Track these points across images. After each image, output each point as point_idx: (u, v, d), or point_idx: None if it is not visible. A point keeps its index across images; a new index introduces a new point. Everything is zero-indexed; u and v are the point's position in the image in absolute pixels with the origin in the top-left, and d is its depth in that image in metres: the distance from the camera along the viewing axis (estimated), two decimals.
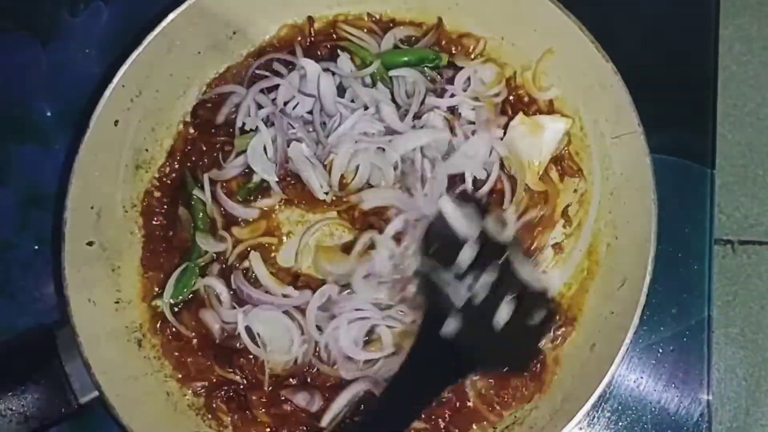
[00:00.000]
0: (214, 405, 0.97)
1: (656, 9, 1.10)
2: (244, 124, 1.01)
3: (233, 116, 1.02)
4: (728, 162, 1.61)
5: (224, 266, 1.00)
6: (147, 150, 1.01)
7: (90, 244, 0.95)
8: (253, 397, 0.96)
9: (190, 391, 0.99)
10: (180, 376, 0.99)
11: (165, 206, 1.02)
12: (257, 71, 1.02)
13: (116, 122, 0.96)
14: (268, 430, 0.97)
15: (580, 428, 1.01)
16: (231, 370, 0.97)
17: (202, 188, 0.99)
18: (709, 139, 1.07)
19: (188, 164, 1.02)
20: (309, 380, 0.98)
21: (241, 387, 0.97)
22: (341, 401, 0.95)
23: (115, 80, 0.93)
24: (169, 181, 1.03)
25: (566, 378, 0.97)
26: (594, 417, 1.02)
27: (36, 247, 1.06)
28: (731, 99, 1.63)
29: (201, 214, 1.00)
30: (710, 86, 1.08)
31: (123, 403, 0.90)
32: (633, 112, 0.93)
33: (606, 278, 0.99)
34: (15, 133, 1.08)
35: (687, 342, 1.03)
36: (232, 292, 0.98)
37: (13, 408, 0.90)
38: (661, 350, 1.03)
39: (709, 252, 1.05)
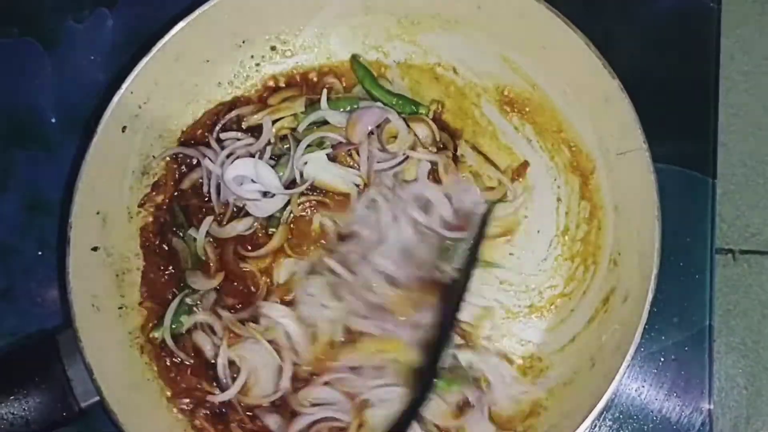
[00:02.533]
0: (198, 423, 0.97)
1: (659, 20, 1.11)
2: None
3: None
4: (729, 171, 1.61)
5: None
6: (153, 156, 1.01)
7: (95, 249, 0.95)
8: (232, 418, 0.97)
9: (175, 410, 0.98)
10: (170, 393, 0.98)
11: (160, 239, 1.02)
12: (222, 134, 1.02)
13: (124, 128, 0.96)
14: None
15: None
16: (216, 386, 0.97)
17: (194, 227, 1.00)
18: (710, 149, 1.08)
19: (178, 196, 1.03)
20: (281, 403, 0.98)
21: (222, 405, 0.97)
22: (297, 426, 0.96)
23: (124, 87, 0.93)
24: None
25: (567, 395, 0.97)
26: (596, 426, 1.02)
27: (39, 253, 1.06)
28: (732, 108, 1.64)
29: (193, 250, 1.00)
30: (711, 95, 1.09)
31: (124, 409, 0.90)
32: (638, 128, 0.93)
33: (609, 294, 0.99)
34: (19, 138, 1.09)
35: (688, 351, 1.03)
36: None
37: (15, 412, 0.90)
38: (662, 359, 1.03)
39: (710, 261, 1.05)
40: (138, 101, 0.96)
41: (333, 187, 1.00)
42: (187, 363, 0.98)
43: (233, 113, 1.02)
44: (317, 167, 1.00)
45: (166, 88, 0.98)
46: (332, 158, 1.00)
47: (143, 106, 0.97)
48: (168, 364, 0.98)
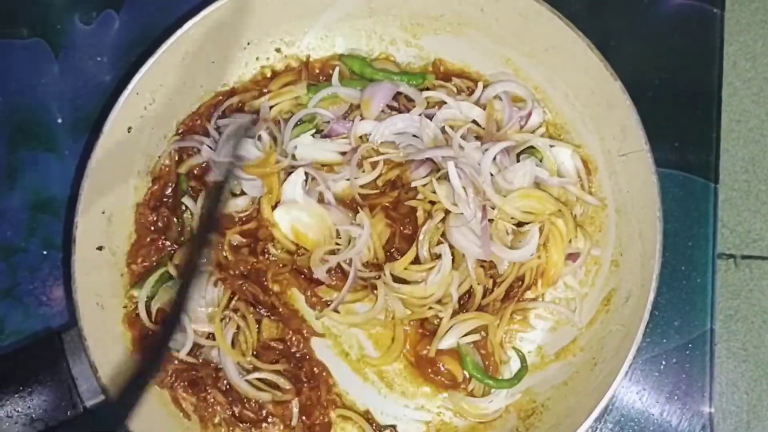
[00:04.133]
0: (178, 395, 0.98)
1: (662, 26, 1.12)
2: None
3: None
4: (731, 177, 1.61)
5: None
6: (159, 156, 1.02)
7: (100, 248, 0.96)
8: (209, 376, 0.98)
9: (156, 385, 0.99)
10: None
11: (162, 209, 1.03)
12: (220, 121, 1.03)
13: (129, 129, 0.97)
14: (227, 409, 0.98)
15: None
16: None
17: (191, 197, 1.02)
18: (712, 154, 1.08)
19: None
20: None
21: (198, 371, 0.98)
22: None
23: (130, 87, 0.94)
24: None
25: (569, 395, 0.97)
26: (597, 428, 1.02)
27: (44, 252, 1.07)
28: (735, 115, 1.64)
29: (189, 228, 1.02)
30: (714, 102, 1.09)
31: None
32: (640, 130, 0.93)
33: (611, 295, 0.99)
34: (26, 139, 1.09)
35: (689, 355, 1.03)
36: None
37: (20, 410, 0.90)
38: (663, 362, 1.03)
39: (711, 265, 1.05)
40: (144, 102, 0.97)
41: (326, 161, 1.02)
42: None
43: (234, 98, 1.04)
44: (307, 148, 1.01)
45: (171, 89, 0.99)
46: (326, 135, 1.02)
47: (149, 107, 0.98)
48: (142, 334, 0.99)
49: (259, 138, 1.01)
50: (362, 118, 1.01)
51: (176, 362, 0.98)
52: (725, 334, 1.55)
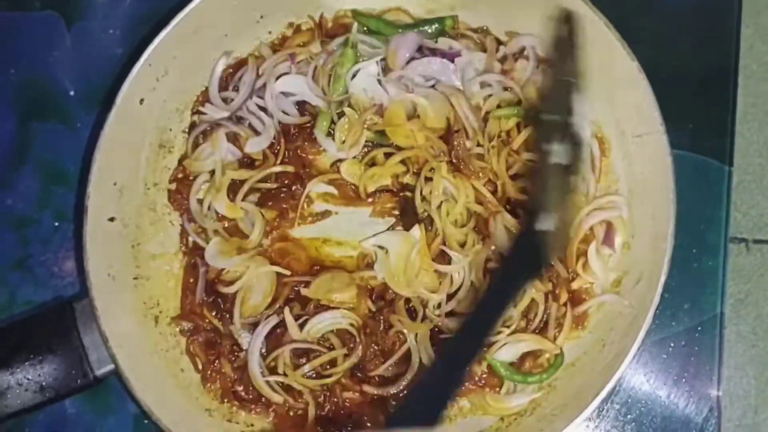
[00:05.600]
0: (192, 349, 1.00)
1: (678, 7, 1.10)
2: None
3: None
4: (746, 160, 1.60)
5: None
6: (171, 129, 1.02)
7: (111, 219, 0.96)
8: (226, 347, 0.99)
9: (178, 329, 1.01)
10: (176, 314, 1.01)
11: None
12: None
13: (141, 101, 0.97)
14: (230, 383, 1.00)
15: (590, 419, 1.02)
16: (216, 315, 1.00)
17: None
18: (727, 137, 1.07)
19: None
20: None
21: (217, 335, 1.00)
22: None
23: (142, 59, 0.94)
24: None
25: (576, 375, 0.97)
26: (603, 409, 1.02)
27: (56, 224, 1.07)
28: (751, 98, 1.62)
29: None
30: (730, 84, 1.08)
31: (137, 377, 0.92)
32: (656, 111, 0.92)
33: (621, 276, 0.99)
34: (38, 111, 1.10)
35: (698, 338, 1.03)
36: None
37: (30, 377, 0.91)
38: (672, 345, 1.03)
39: (723, 249, 1.05)
40: (156, 74, 0.97)
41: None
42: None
43: (249, 65, 1.03)
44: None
45: (184, 62, 0.99)
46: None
47: (161, 78, 0.98)
48: (191, 281, 1.02)
49: None
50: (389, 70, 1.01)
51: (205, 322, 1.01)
52: (735, 318, 1.55)
